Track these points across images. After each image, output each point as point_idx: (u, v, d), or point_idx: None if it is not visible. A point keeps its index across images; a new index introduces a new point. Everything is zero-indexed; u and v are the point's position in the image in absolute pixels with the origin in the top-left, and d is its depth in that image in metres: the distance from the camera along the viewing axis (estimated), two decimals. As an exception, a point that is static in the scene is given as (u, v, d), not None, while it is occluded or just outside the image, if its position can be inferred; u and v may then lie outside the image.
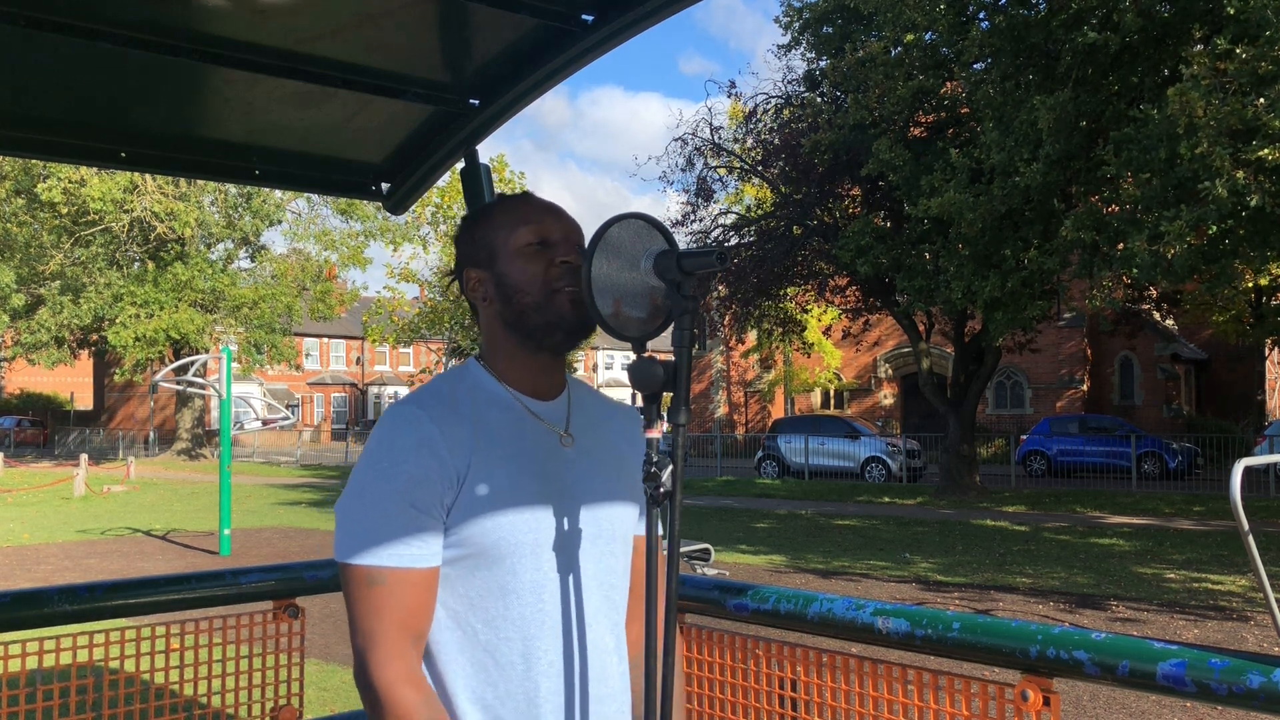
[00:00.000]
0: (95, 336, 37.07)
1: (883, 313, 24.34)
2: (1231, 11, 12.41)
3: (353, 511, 1.38)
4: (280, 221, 37.50)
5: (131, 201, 32.75)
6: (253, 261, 39.18)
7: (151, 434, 47.34)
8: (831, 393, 42.25)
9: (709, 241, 23.31)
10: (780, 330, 25.35)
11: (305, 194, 33.58)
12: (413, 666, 1.35)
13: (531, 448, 1.45)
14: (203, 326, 34.39)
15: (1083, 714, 6.20)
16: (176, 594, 2.43)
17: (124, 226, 33.65)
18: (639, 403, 1.34)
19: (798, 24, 21.06)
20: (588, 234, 1.40)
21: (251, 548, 14.20)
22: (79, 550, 14.17)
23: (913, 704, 1.90)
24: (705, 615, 2.26)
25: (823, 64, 21.04)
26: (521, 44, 2.04)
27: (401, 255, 43.14)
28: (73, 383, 59.38)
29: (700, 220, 23.97)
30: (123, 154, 2.31)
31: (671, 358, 1.29)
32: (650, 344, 1.36)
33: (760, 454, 28.88)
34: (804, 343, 27.60)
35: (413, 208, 2.89)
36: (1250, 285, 26.19)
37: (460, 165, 2.38)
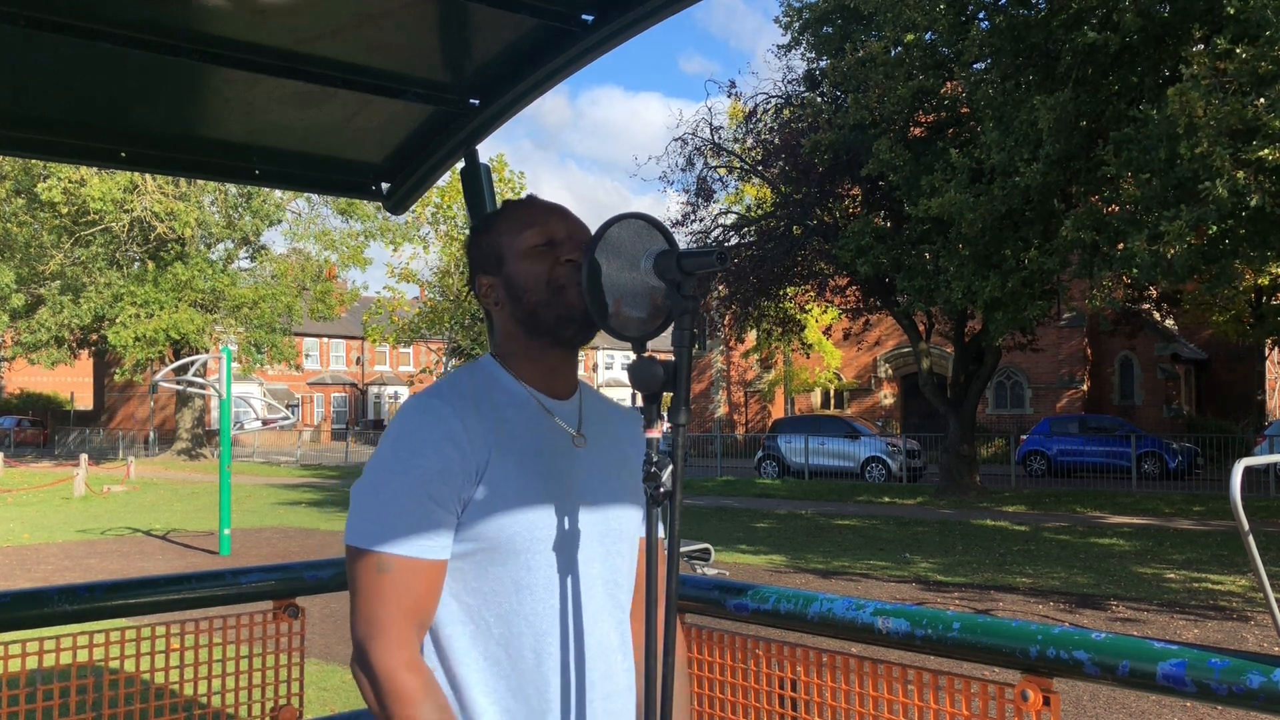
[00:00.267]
0: (95, 336, 37.07)
1: (883, 313, 24.34)
2: (1231, 11, 12.40)
3: (369, 497, 1.39)
4: (280, 221, 37.51)
5: (131, 201, 32.75)
6: (253, 261, 39.19)
7: (151, 434, 47.35)
8: (831, 393, 42.25)
9: (709, 241, 23.31)
10: (780, 330, 25.35)
11: (305, 194, 33.59)
12: (415, 654, 1.36)
13: (547, 445, 1.46)
14: (203, 326, 34.39)
15: (1083, 714, 6.20)
16: (176, 594, 2.43)
17: (124, 226, 33.66)
18: (639, 403, 1.35)
19: (798, 24, 21.06)
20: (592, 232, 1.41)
21: (251, 548, 14.20)
22: (79, 550, 14.17)
23: (913, 704, 1.91)
24: (705, 615, 2.26)
25: (823, 64, 21.04)
26: (521, 44, 2.04)
27: (401, 255, 43.22)
28: (73, 383, 59.37)
29: (700, 220, 23.99)
30: (123, 154, 2.31)
31: (671, 358, 1.29)
32: (650, 344, 1.37)
33: (760, 454, 28.88)
34: (804, 343, 27.60)
35: (413, 208, 2.89)
36: (1250, 285, 26.21)
37: (460, 165, 2.38)
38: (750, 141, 23.77)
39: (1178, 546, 14.03)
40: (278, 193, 36.18)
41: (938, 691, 1.88)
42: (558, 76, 2.09)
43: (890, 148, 17.71)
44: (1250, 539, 1.48)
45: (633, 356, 1.34)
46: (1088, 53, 14.90)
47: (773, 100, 22.98)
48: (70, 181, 31.16)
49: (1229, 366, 40.08)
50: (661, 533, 1.40)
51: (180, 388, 24.09)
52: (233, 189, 34.73)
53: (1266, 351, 36.87)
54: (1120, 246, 15.08)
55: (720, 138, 24.42)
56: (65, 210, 32.09)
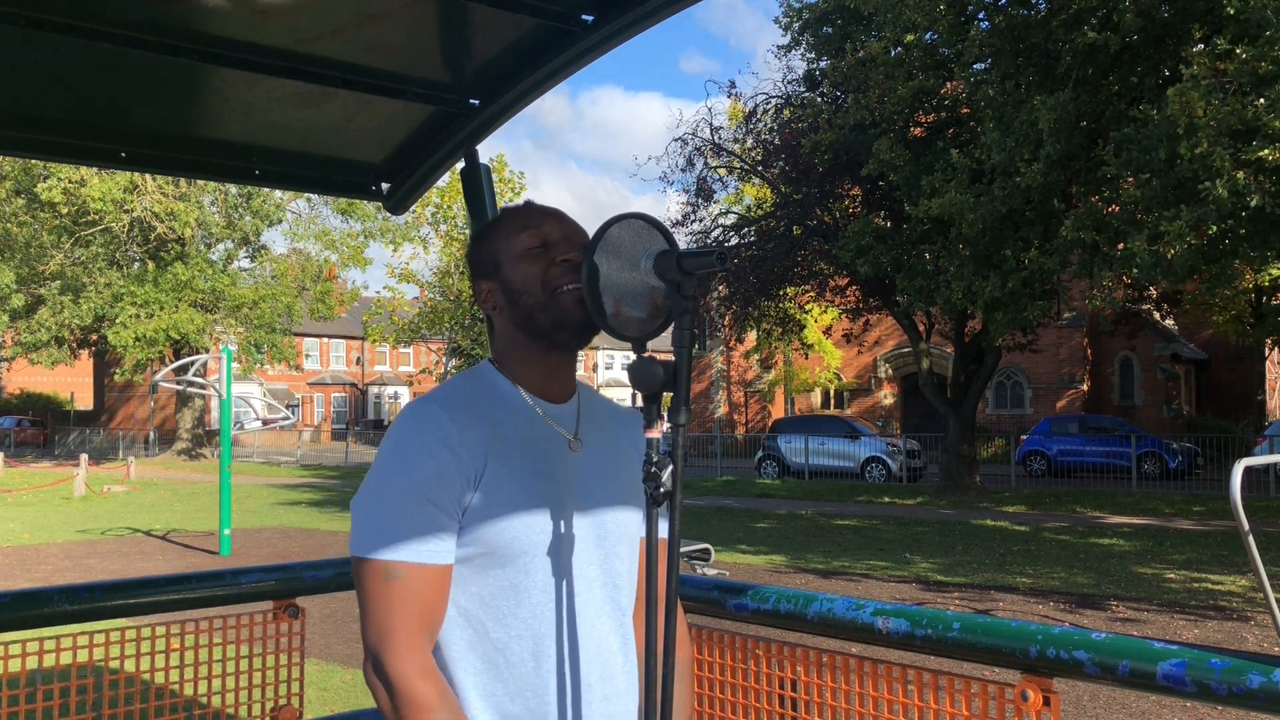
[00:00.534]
0: (95, 336, 37.08)
1: (883, 313, 24.34)
2: (1231, 11, 12.40)
3: (371, 507, 1.39)
4: (280, 221, 37.51)
5: (131, 201, 32.75)
6: (253, 261, 39.19)
7: (151, 434, 47.35)
8: (831, 393, 42.25)
9: (709, 241, 23.31)
10: (780, 330, 25.35)
11: (305, 194, 33.59)
12: (429, 661, 1.36)
13: (543, 450, 1.47)
14: (203, 326, 34.39)
15: (1083, 714, 6.20)
16: (176, 594, 2.43)
17: (124, 226, 33.66)
18: (639, 403, 1.35)
19: (798, 24, 21.07)
20: (589, 235, 1.42)
21: (251, 548, 14.20)
22: (79, 550, 14.17)
23: (913, 704, 1.91)
24: (705, 615, 2.26)
25: (823, 64, 21.05)
26: (521, 44, 2.04)
27: (401, 255, 43.30)
28: (73, 383, 59.39)
29: (700, 220, 23.99)
30: (123, 154, 2.31)
31: (671, 358, 1.29)
32: (650, 344, 1.37)
33: (760, 454, 28.88)
34: (804, 343, 27.59)
35: (413, 208, 2.89)
36: (1250, 285, 26.24)
37: (460, 165, 2.38)
38: (750, 142, 23.76)
39: (1178, 546, 14.03)
40: (278, 193, 36.18)
41: (938, 691, 1.88)
42: (558, 76, 2.09)
43: (890, 148, 17.71)
44: (1250, 539, 1.48)
45: (633, 356, 1.34)
46: (1088, 53, 14.90)
47: (773, 100, 22.99)
48: (70, 181, 31.16)
49: (1229, 366, 40.08)
50: (663, 532, 1.40)
51: (180, 388, 24.09)
52: (233, 189, 34.73)
53: (1266, 351, 36.88)
54: (1120, 246, 15.08)
55: (720, 138, 24.42)
56: (65, 210, 32.10)
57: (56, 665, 2.22)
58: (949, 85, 18.96)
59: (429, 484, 1.36)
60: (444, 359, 37.64)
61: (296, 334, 41.86)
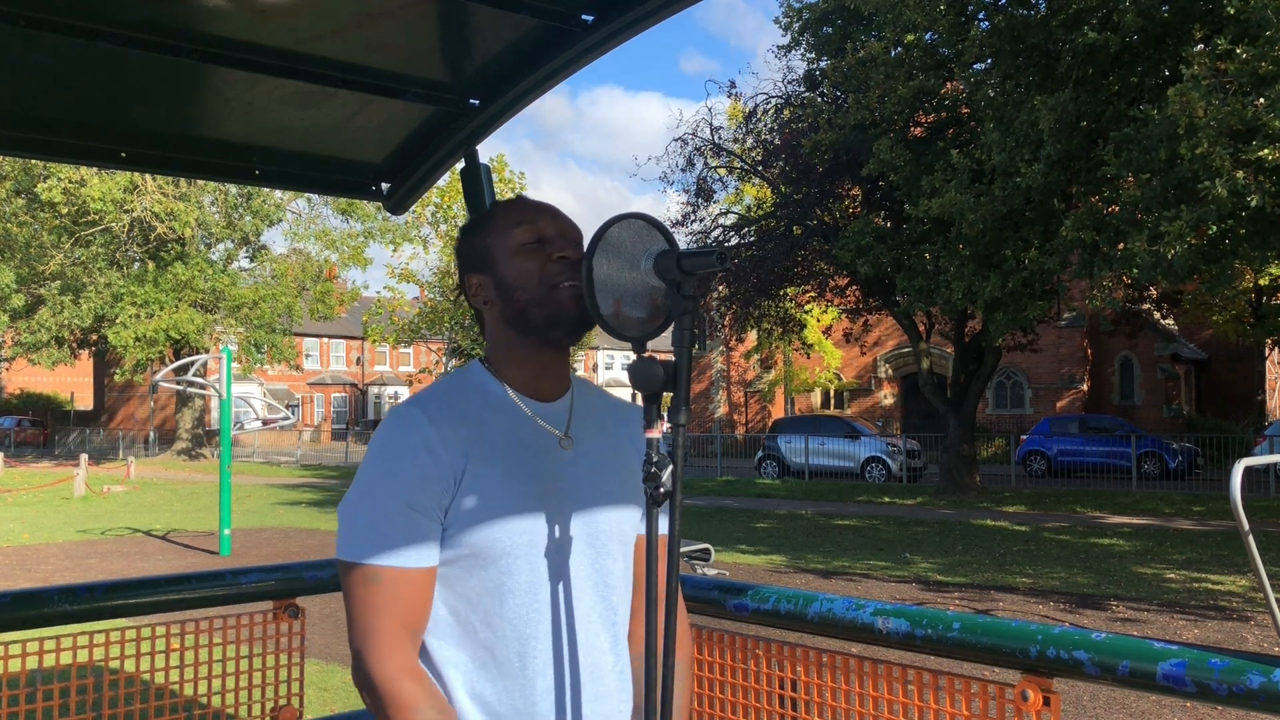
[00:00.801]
0: (95, 336, 37.08)
1: (883, 313, 24.33)
2: (1231, 11, 12.40)
3: (353, 511, 1.41)
4: (280, 221, 37.52)
5: (131, 201, 32.75)
6: (253, 261, 39.19)
7: (151, 434, 47.36)
8: (831, 393, 42.25)
9: (709, 241, 23.31)
10: (780, 330, 25.35)
11: (305, 194, 33.58)
12: (412, 661, 1.37)
13: (529, 449, 1.46)
14: (203, 326, 34.39)
15: (1083, 714, 6.20)
16: (176, 594, 2.43)
17: (124, 226, 33.66)
18: (639, 403, 1.35)
19: (798, 24, 21.07)
20: (588, 234, 1.41)
21: (251, 548, 14.20)
22: (79, 550, 14.17)
23: (913, 704, 1.90)
24: (705, 615, 2.25)
25: (823, 64, 21.05)
26: (521, 44, 2.04)
27: (401, 255, 43.25)
28: (73, 383, 59.38)
29: (700, 220, 23.99)
30: (123, 154, 2.31)
31: (671, 358, 1.29)
32: (650, 344, 1.36)
33: (760, 454, 28.88)
34: (804, 343, 27.58)
35: (413, 208, 2.88)
36: (1250, 285, 26.26)
37: (460, 165, 2.38)
38: (750, 142, 23.76)
39: (1178, 546, 14.03)
40: (278, 193, 36.18)
41: (938, 691, 1.88)
42: (558, 76, 2.09)
43: (890, 148, 17.71)
44: (1250, 539, 1.48)
45: (633, 356, 1.33)
46: (1088, 53, 14.90)
47: (773, 100, 22.99)
48: (70, 181, 31.16)
49: (1229, 366, 40.08)
50: (663, 532, 1.40)
51: (180, 388, 24.09)
52: (233, 189, 34.73)
53: (1266, 351, 36.88)
54: (1120, 246, 15.08)
55: (720, 138, 24.42)
56: (65, 210, 32.09)
57: (56, 665, 2.22)
58: (949, 85, 18.96)
59: (410, 488, 1.37)
60: (444, 359, 37.63)
61: (296, 334, 41.85)
